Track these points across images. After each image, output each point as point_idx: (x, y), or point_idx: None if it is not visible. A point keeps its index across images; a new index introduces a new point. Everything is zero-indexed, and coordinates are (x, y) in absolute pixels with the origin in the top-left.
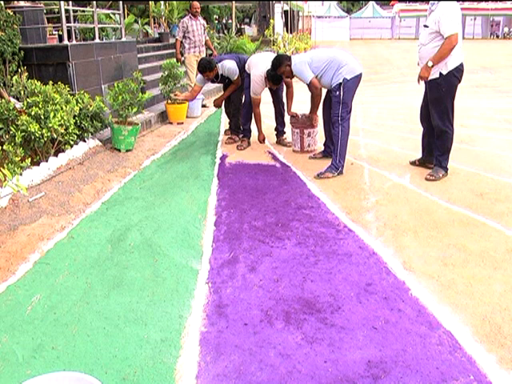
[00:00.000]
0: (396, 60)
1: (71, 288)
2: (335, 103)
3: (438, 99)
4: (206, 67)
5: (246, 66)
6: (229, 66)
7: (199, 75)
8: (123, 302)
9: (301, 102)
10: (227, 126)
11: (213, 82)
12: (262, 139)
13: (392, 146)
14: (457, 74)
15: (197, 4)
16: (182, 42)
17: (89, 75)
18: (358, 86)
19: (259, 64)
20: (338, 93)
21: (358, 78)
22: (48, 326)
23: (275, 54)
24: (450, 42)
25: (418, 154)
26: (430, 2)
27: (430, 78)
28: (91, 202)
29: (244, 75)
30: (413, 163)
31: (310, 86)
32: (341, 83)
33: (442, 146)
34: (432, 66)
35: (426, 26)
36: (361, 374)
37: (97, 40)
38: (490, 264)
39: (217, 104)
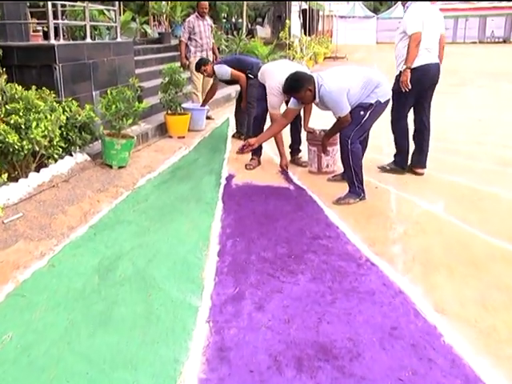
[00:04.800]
0: None
1: (50, 325)
2: (352, 123)
3: (395, 92)
4: (200, 63)
5: (260, 75)
6: (217, 71)
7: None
8: (110, 343)
9: (317, 116)
10: (234, 142)
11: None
12: (284, 165)
13: None
14: (417, 74)
15: (205, 4)
16: (187, 44)
17: (78, 80)
18: (383, 112)
19: (275, 73)
20: (362, 113)
21: (387, 103)
22: (21, 371)
23: (292, 62)
24: (412, 40)
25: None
26: (406, 5)
27: (398, 71)
28: (77, 225)
29: (250, 82)
30: None
31: (341, 118)
32: (372, 104)
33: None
34: (409, 68)
35: (398, 28)
36: None
37: (88, 40)
38: None
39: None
